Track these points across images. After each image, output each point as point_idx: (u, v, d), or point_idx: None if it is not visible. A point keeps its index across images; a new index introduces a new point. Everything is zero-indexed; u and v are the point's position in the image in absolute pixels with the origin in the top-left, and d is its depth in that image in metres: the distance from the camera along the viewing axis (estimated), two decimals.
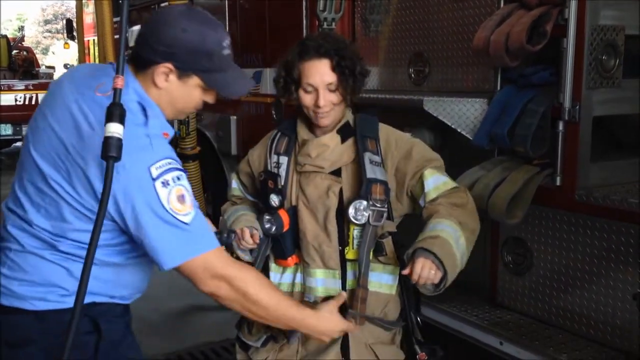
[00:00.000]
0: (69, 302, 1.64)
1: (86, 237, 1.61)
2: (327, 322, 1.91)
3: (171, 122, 1.80)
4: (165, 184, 1.58)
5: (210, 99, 1.80)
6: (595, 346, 2.63)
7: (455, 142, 3.20)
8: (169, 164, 1.61)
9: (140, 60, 1.69)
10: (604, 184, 2.76)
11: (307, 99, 2.00)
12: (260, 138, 2.27)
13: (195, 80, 1.71)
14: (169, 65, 1.67)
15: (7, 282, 1.70)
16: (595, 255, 2.63)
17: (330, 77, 1.96)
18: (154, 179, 1.57)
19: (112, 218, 1.62)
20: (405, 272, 1.85)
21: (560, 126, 2.68)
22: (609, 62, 2.69)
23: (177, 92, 1.72)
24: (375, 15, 3.63)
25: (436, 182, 2.01)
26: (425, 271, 1.82)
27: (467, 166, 2.95)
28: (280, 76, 2.04)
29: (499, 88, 2.93)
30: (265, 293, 1.76)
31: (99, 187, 1.58)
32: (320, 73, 1.96)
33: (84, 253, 1.64)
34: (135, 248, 1.72)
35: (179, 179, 1.62)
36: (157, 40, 1.65)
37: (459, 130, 2.93)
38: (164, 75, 1.68)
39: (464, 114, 2.93)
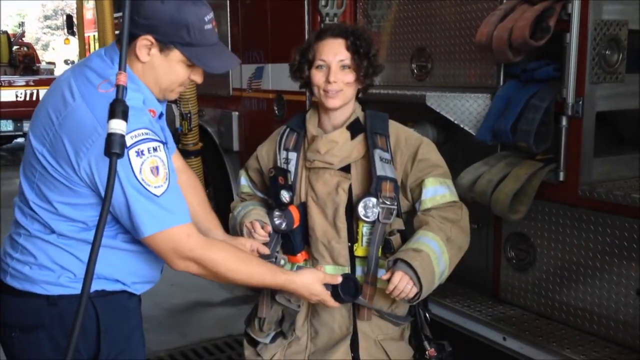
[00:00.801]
0: (78, 288, 1.66)
1: (72, 213, 1.68)
2: (308, 288, 1.89)
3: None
4: (139, 153, 1.60)
5: (197, 77, 1.80)
6: (599, 341, 2.63)
7: (458, 138, 3.19)
8: (146, 134, 1.61)
9: None
10: (607, 179, 2.75)
11: (318, 77, 2.00)
12: (262, 134, 2.26)
13: (176, 55, 1.72)
14: (150, 38, 1.68)
15: (21, 266, 1.75)
16: (598, 250, 2.63)
17: (343, 54, 1.98)
18: (127, 147, 1.57)
19: (89, 187, 1.64)
20: (385, 277, 1.88)
21: (564, 121, 2.68)
22: (612, 57, 2.68)
23: (160, 67, 1.72)
24: (377, 10, 3.62)
25: (435, 193, 2.01)
26: (402, 284, 1.85)
27: (470, 162, 2.95)
28: (295, 60, 2.05)
29: (502, 83, 2.92)
30: (235, 270, 1.77)
31: (73, 156, 1.62)
32: (334, 50, 1.98)
33: (82, 235, 1.69)
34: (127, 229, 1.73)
35: (155, 150, 1.63)
36: (137, 13, 1.66)
37: (461, 125, 2.93)
38: (146, 49, 1.70)
39: (466, 109, 2.92)
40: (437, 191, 2.02)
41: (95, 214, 1.68)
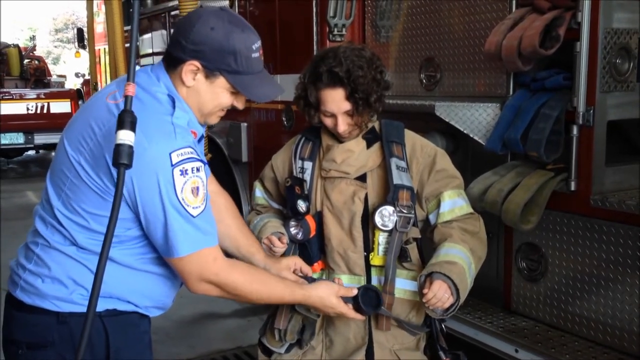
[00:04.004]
0: None
1: (100, 226, 1.64)
2: (322, 301, 1.89)
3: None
4: (183, 172, 1.60)
5: (240, 104, 1.79)
6: (613, 353, 2.59)
7: (468, 147, 3.18)
8: (190, 153, 1.62)
9: (171, 59, 1.72)
10: (619, 188, 2.73)
11: (327, 122, 2.01)
12: (271, 145, 2.26)
13: (222, 81, 1.72)
14: (196, 63, 1.68)
15: (33, 279, 1.72)
16: (611, 261, 2.60)
17: (345, 105, 1.95)
18: (173, 165, 1.58)
19: (126, 201, 1.62)
20: (426, 290, 1.86)
21: (575, 130, 2.65)
22: (622, 66, 2.67)
23: (204, 92, 1.73)
24: (385, 20, 3.62)
25: (453, 205, 2.02)
26: (441, 292, 1.84)
27: (479, 171, 2.93)
28: (300, 97, 2.04)
29: (511, 92, 2.91)
30: (256, 292, 1.78)
31: (114, 169, 1.58)
32: (335, 101, 1.95)
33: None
34: (150, 250, 1.72)
35: (198, 170, 1.63)
36: (186, 38, 1.67)
37: (471, 135, 2.91)
38: (192, 74, 1.70)
39: (476, 119, 2.91)
40: (456, 203, 2.03)
41: (126, 228, 1.66)
